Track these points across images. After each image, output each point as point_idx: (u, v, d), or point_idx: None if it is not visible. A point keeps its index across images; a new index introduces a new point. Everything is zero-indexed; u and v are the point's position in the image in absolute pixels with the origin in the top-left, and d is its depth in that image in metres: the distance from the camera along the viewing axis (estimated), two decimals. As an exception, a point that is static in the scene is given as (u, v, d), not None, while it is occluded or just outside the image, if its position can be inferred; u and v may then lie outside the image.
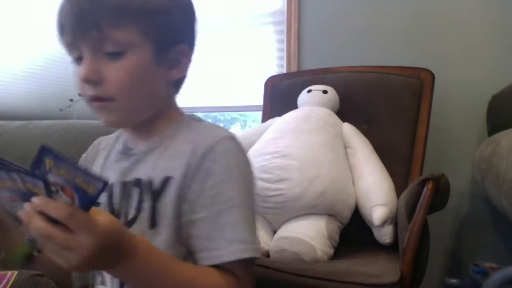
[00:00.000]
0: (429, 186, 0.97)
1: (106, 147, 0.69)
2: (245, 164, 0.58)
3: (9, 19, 1.62)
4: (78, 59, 0.57)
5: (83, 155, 0.73)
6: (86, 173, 0.40)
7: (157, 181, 0.56)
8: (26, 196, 0.42)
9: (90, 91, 0.56)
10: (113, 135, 0.72)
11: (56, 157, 0.40)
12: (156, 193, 0.56)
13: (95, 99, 0.56)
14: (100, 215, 0.43)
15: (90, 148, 0.73)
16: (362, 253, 1.12)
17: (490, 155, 1.12)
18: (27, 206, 0.42)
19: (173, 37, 0.59)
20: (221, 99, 1.98)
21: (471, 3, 1.53)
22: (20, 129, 0.99)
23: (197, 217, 0.54)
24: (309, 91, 1.42)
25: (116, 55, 0.54)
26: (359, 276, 0.90)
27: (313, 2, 1.74)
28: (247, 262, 0.53)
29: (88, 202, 0.41)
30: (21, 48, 1.68)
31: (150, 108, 0.61)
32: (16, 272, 0.62)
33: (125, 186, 0.59)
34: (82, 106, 1.83)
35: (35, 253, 0.57)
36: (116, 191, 0.60)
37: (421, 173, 1.27)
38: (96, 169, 0.66)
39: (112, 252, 0.44)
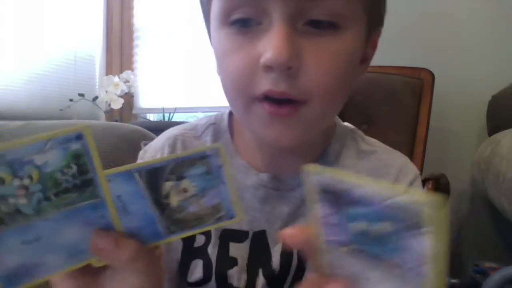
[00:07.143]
0: (429, 186, 0.97)
1: None
2: None
3: (10, 19, 1.62)
4: (242, 26, 0.35)
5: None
6: None
7: None
8: None
9: (271, 84, 0.32)
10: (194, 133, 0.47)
11: None
12: None
13: (278, 101, 0.33)
14: None
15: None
16: (362, 253, 1.12)
17: (490, 155, 1.12)
18: None
19: (381, 18, 0.41)
20: (221, 99, 1.97)
21: (471, 3, 1.52)
22: (20, 129, 0.99)
23: None
24: (309, 91, 1.42)
25: (327, 29, 0.33)
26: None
27: (313, 2, 1.74)
28: None
29: None
30: (21, 48, 1.67)
31: (333, 118, 0.41)
32: None
33: None
34: (82, 106, 1.83)
35: None
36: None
37: (421, 173, 1.27)
38: None
39: None
